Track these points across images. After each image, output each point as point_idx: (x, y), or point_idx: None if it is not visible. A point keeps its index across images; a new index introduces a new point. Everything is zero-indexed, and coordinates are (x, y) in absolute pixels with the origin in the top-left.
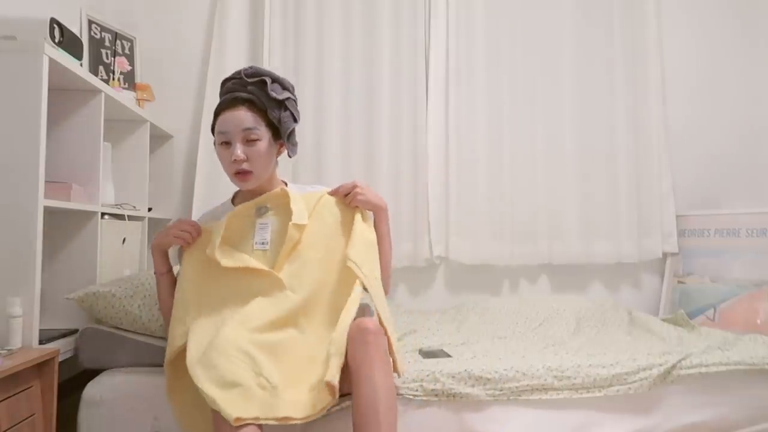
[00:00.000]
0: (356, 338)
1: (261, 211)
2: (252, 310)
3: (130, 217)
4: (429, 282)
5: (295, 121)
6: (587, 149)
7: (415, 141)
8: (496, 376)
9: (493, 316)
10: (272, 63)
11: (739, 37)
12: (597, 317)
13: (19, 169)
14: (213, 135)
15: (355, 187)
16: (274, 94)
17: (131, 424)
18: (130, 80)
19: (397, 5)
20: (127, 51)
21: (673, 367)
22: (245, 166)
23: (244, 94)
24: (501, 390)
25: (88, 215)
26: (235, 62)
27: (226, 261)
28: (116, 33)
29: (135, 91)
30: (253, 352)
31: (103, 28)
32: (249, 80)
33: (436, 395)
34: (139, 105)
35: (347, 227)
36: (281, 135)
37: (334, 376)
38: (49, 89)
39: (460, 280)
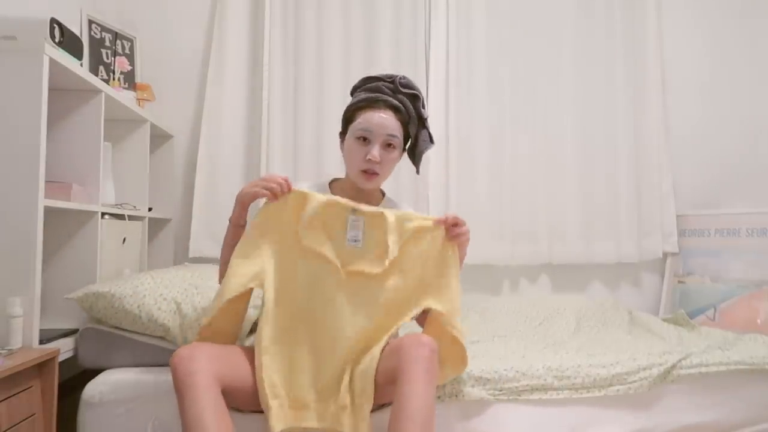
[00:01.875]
0: (411, 348)
1: (355, 210)
2: (313, 309)
3: (131, 217)
4: None
5: (432, 142)
6: (587, 149)
7: None
8: (496, 376)
9: (494, 316)
10: (272, 63)
11: (740, 37)
12: (597, 317)
13: (19, 169)
14: (343, 124)
15: (464, 224)
16: (423, 111)
17: (131, 424)
18: (130, 80)
19: (397, 6)
20: (127, 51)
21: (674, 366)
22: (376, 168)
23: (394, 101)
24: (501, 390)
25: (88, 215)
26: (235, 62)
27: (309, 241)
28: (116, 33)
29: (135, 91)
30: (297, 362)
31: (103, 28)
32: (403, 90)
33: (438, 396)
34: (139, 105)
35: (434, 259)
36: (415, 151)
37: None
38: (49, 89)
39: (460, 279)
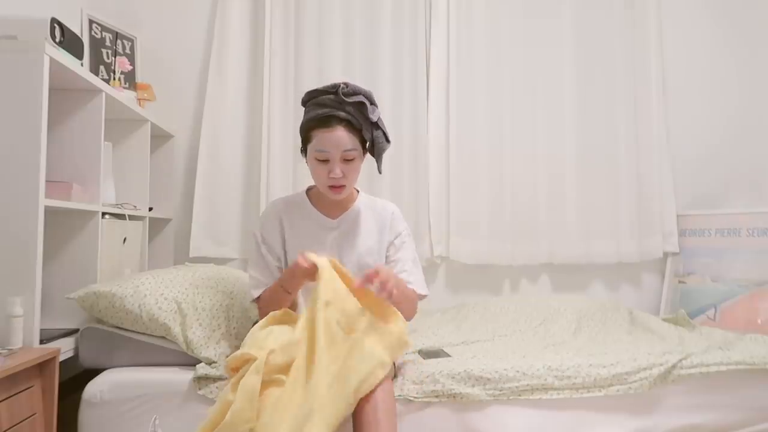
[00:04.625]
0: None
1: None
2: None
3: (131, 217)
4: (430, 282)
5: (388, 141)
6: (588, 149)
7: (416, 141)
8: (497, 375)
9: (494, 316)
10: (273, 63)
11: (740, 36)
12: (598, 317)
13: (19, 168)
14: (302, 143)
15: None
16: (372, 117)
17: (131, 424)
18: (130, 80)
19: (397, 5)
20: (127, 51)
21: (674, 366)
22: (342, 181)
23: (342, 114)
24: (501, 390)
25: (89, 215)
26: (235, 62)
27: None
28: (117, 33)
29: (136, 91)
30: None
31: (103, 28)
32: (347, 99)
33: (437, 396)
34: (139, 105)
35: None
36: (374, 154)
37: None
38: (49, 89)
39: (461, 279)
